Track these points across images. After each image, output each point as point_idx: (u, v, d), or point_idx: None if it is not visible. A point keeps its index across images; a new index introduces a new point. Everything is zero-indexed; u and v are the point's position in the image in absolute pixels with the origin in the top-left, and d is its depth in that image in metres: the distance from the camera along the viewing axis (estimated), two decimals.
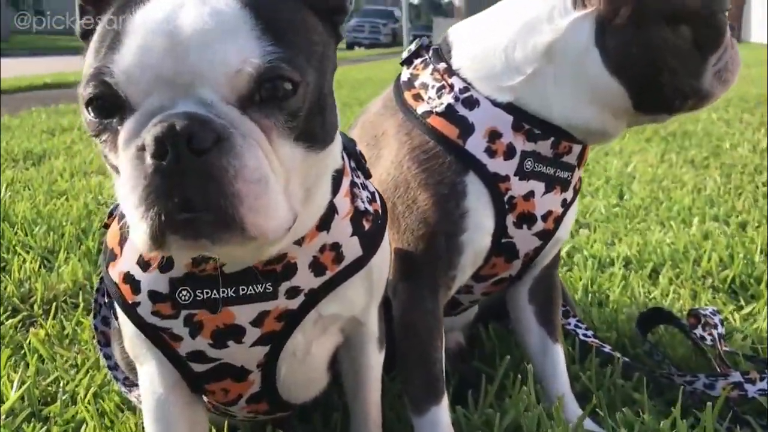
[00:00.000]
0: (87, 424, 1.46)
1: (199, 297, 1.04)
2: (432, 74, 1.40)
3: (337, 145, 1.06)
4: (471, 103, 1.35)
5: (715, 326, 1.64)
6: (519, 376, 1.50)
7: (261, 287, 1.05)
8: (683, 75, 1.28)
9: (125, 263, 1.08)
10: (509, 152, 1.33)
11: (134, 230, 0.85)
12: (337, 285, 1.10)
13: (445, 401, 1.38)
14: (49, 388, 1.66)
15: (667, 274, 2.29)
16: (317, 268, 1.08)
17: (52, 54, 19.84)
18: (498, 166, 1.33)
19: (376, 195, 1.22)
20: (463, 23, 1.48)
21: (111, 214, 1.18)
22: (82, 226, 2.81)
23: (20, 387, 1.62)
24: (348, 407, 1.35)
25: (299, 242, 1.05)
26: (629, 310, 1.96)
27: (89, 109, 0.88)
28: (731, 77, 1.31)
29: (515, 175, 1.33)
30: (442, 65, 1.40)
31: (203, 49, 0.83)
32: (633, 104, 1.31)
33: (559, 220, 1.42)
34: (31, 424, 1.49)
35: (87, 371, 1.71)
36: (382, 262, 1.20)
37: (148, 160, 0.81)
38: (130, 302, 1.07)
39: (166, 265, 1.04)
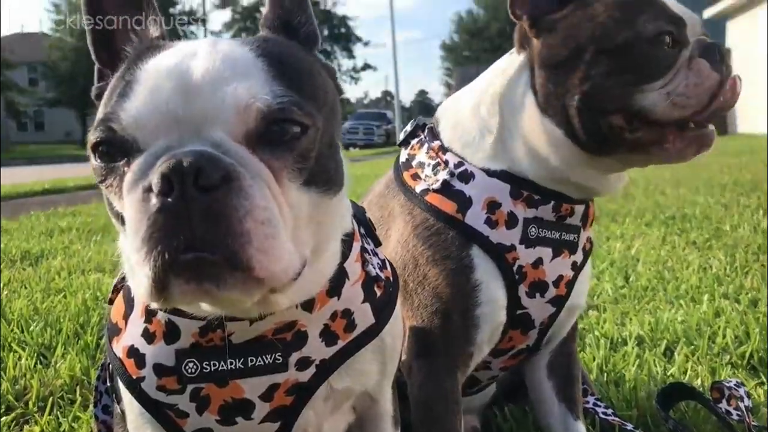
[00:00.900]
0: None
1: (206, 369, 0.99)
2: (427, 153, 1.42)
3: (344, 201, 1.04)
4: (466, 177, 1.35)
5: (741, 398, 1.57)
6: None
7: (270, 358, 1.00)
8: (609, 102, 1.26)
9: (130, 337, 1.03)
10: (511, 221, 1.32)
11: (136, 278, 0.81)
12: (349, 356, 1.06)
13: None
14: None
15: (683, 351, 2.23)
16: (328, 336, 1.03)
17: (51, 162, 20.20)
18: (501, 236, 1.31)
19: (387, 262, 1.19)
20: (449, 98, 1.51)
21: (115, 289, 1.15)
22: (80, 322, 2.75)
23: None
24: None
25: (309, 309, 1.01)
26: (648, 388, 1.89)
27: (96, 154, 0.86)
28: (687, 101, 1.24)
29: (521, 243, 1.32)
30: (436, 143, 1.42)
31: (214, 89, 0.83)
32: (576, 142, 1.30)
33: (571, 284, 1.39)
34: None
35: None
36: (395, 332, 1.15)
37: (153, 199, 0.78)
38: (134, 377, 1.02)
39: (171, 337, 1.00)
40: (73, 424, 1.89)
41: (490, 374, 1.53)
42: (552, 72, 1.30)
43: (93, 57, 1.01)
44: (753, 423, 1.57)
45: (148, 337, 1.02)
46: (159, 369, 1.01)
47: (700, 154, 1.29)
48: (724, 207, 5.45)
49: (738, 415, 1.59)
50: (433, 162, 1.40)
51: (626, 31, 1.24)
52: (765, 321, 2.44)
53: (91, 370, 2.22)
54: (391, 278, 1.16)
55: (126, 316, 1.07)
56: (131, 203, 0.81)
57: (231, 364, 0.99)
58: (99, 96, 0.96)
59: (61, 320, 2.75)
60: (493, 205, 1.32)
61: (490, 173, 1.34)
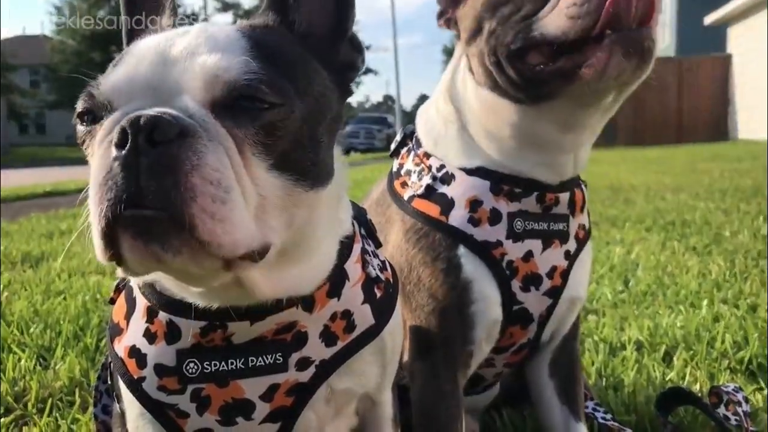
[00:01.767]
0: None
1: (207, 369, 1.00)
2: (414, 160, 1.44)
3: (341, 202, 1.06)
4: (447, 179, 1.37)
5: (739, 403, 1.57)
6: None
7: (271, 358, 1.01)
8: (517, 44, 1.24)
9: (131, 337, 1.04)
10: (494, 217, 1.32)
11: (93, 233, 0.82)
12: (349, 356, 1.06)
13: None
14: None
15: (682, 356, 2.23)
16: (328, 337, 1.04)
17: (53, 165, 20.20)
18: (486, 233, 1.32)
19: (387, 264, 1.20)
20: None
21: (117, 289, 1.15)
22: (80, 324, 2.75)
23: None
24: None
25: (309, 309, 1.01)
26: (647, 393, 1.89)
27: (80, 121, 0.90)
28: (579, 9, 1.17)
29: (507, 238, 1.32)
30: (422, 149, 1.44)
31: (188, 60, 0.86)
32: (514, 101, 1.30)
33: (566, 274, 1.39)
34: None
35: None
36: (395, 333, 1.15)
37: (113, 151, 0.80)
38: (135, 377, 1.02)
39: (172, 337, 1.00)
40: (72, 426, 1.89)
41: (495, 371, 1.53)
42: (473, 44, 1.33)
43: None
44: (751, 428, 1.57)
45: (150, 337, 1.03)
46: (160, 369, 1.01)
47: (636, 67, 1.20)
48: (725, 213, 5.45)
49: (736, 420, 1.59)
50: (418, 168, 1.42)
51: None
52: (764, 326, 2.45)
53: (91, 372, 2.22)
54: (391, 279, 1.17)
55: (128, 316, 1.07)
56: (96, 157, 0.83)
57: (232, 364, 1.00)
58: None
59: (61, 322, 2.75)
60: (475, 204, 1.33)
61: (468, 172, 1.35)
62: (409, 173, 1.44)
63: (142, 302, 1.05)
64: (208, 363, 1.00)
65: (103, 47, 29.05)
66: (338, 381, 1.07)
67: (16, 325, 2.74)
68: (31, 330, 2.66)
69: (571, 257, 1.40)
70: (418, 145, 1.46)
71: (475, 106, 1.36)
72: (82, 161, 0.93)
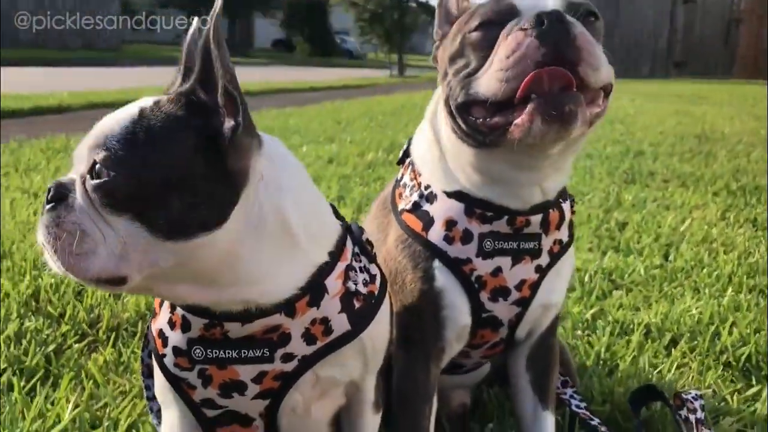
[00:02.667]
0: None
1: (210, 355, 1.25)
2: (409, 174, 1.61)
3: (255, 242, 1.16)
4: (431, 198, 1.54)
5: (695, 411, 1.73)
6: None
7: (259, 352, 1.24)
8: (462, 98, 1.39)
9: (160, 321, 1.31)
10: (466, 237, 1.48)
11: None
12: (328, 353, 1.28)
13: None
14: (98, 413, 1.92)
15: (682, 347, 2.37)
16: (309, 338, 1.26)
17: (160, 65, 20.93)
18: (458, 251, 1.49)
19: (378, 277, 1.38)
20: None
21: None
22: None
23: (74, 409, 1.89)
24: None
25: (291, 315, 1.23)
26: (631, 383, 2.06)
27: None
28: (506, 73, 1.29)
29: (477, 256, 1.48)
30: (416, 166, 1.60)
31: (81, 144, 1.14)
32: (466, 143, 1.44)
33: (535, 286, 1.53)
34: None
35: (132, 399, 1.97)
36: (377, 337, 1.35)
37: None
38: (160, 354, 1.30)
39: (185, 327, 1.26)
40: (131, 357, 2.24)
41: (472, 361, 1.73)
42: (441, 86, 1.49)
43: None
44: (706, 431, 1.73)
45: (171, 324, 1.29)
46: (176, 350, 1.28)
47: (558, 131, 1.29)
48: None
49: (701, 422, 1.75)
50: (411, 184, 1.59)
51: (459, 34, 1.42)
52: None
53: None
54: (375, 292, 1.35)
55: (161, 304, 1.34)
56: None
57: (228, 353, 1.24)
58: None
59: None
60: (450, 224, 1.50)
61: (448, 194, 1.51)
62: (405, 186, 1.61)
63: None
64: (210, 350, 1.25)
65: None
66: (322, 370, 1.30)
67: None
68: None
69: (543, 270, 1.54)
70: (413, 161, 1.63)
71: (446, 141, 1.51)
72: None
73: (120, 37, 34.80)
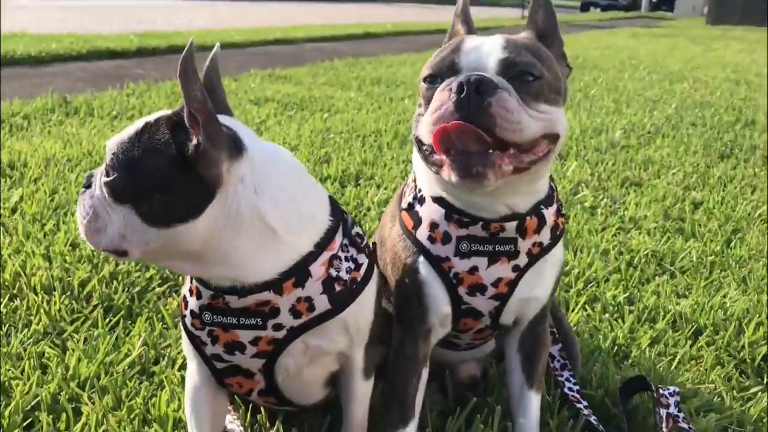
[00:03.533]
0: (166, 389, 2.06)
1: (216, 320, 1.54)
2: (412, 177, 1.81)
3: (234, 231, 1.42)
4: (422, 201, 1.75)
5: (667, 406, 1.88)
6: (479, 415, 1.88)
7: (254, 321, 1.52)
8: (414, 134, 1.60)
9: (185, 288, 1.62)
10: (445, 238, 1.69)
11: None
12: (311, 327, 1.54)
13: (411, 426, 1.79)
14: (162, 351, 2.30)
15: (703, 339, 2.47)
16: (295, 312, 1.52)
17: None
18: (438, 250, 1.70)
19: (364, 266, 1.61)
20: None
21: None
22: None
23: (142, 346, 2.27)
24: None
25: (279, 294, 1.49)
26: (630, 372, 2.21)
27: None
28: (429, 126, 1.50)
29: (455, 256, 1.68)
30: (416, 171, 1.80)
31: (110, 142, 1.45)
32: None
33: (513, 283, 1.71)
34: (139, 380, 2.13)
35: None
36: (359, 318, 1.60)
37: None
38: (183, 314, 1.61)
39: (198, 296, 1.55)
40: None
41: (464, 344, 1.96)
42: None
43: None
44: (684, 425, 1.88)
45: (190, 292, 1.59)
46: (192, 313, 1.58)
47: (474, 186, 1.49)
48: None
49: (684, 419, 1.90)
50: (411, 185, 1.79)
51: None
52: None
53: None
54: (358, 279, 1.59)
55: None
56: None
57: (229, 319, 1.53)
58: None
59: None
60: (433, 225, 1.70)
61: (433, 199, 1.71)
62: (407, 186, 1.83)
63: None
64: (216, 316, 1.54)
65: None
66: (310, 339, 1.56)
67: None
68: None
69: (521, 269, 1.71)
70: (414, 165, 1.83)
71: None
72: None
73: None
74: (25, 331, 2.37)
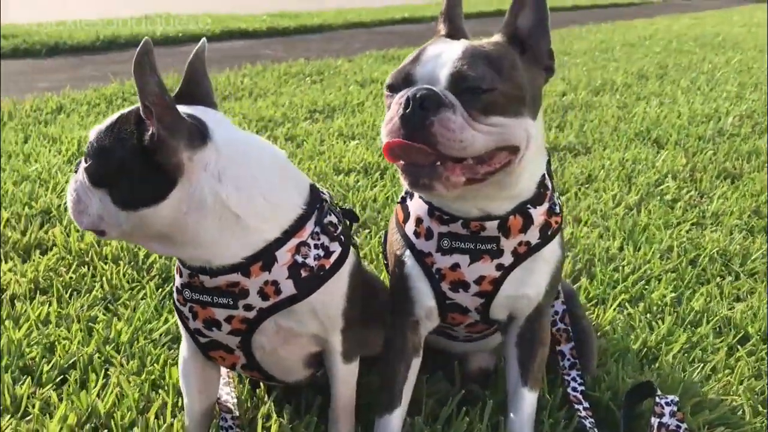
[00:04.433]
0: None
1: (194, 297, 1.65)
2: None
3: (200, 217, 1.51)
4: (412, 195, 1.79)
5: (661, 415, 1.82)
6: (464, 408, 1.91)
7: (225, 300, 1.62)
8: None
9: (177, 266, 1.75)
10: (428, 234, 1.72)
11: None
12: (281, 309, 1.61)
13: (397, 412, 1.85)
14: None
15: (746, 348, 2.35)
16: (263, 295, 1.60)
17: None
18: (422, 245, 1.73)
19: (335, 255, 1.66)
20: None
21: None
22: None
23: None
24: None
25: (247, 276, 1.57)
26: (645, 377, 2.14)
27: None
28: (383, 135, 1.50)
29: (437, 252, 1.71)
30: None
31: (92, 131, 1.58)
32: None
33: (498, 282, 1.71)
34: (171, 347, 2.31)
35: None
36: (328, 304, 1.66)
37: None
38: (174, 289, 1.74)
39: (180, 275, 1.68)
40: None
41: (460, 337, 1.98)
42: None
43: None
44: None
45: (176, 271, 1.72)
46: (177, 289, 1.70)
47: (429, 194, 1.58)
48: None
49: (677, 425, 1.84)
50: None
51: None
52: None
53: None
54: (327, 266, 1.64)
55: None
56: None
57: (204, 297, 1.63)
58: None
59: None
60: (418, 221, 1.73)
61: (420, 195, 1.73)
62: None
63: None
64: (194, 293, 1.64)
65: None
66: (282, 321, 1.64)
67: None
68: None
69: (506, 268, 1.70)
70: None
71: None
72: None
73: None
74: (87, 296, 2.61)
